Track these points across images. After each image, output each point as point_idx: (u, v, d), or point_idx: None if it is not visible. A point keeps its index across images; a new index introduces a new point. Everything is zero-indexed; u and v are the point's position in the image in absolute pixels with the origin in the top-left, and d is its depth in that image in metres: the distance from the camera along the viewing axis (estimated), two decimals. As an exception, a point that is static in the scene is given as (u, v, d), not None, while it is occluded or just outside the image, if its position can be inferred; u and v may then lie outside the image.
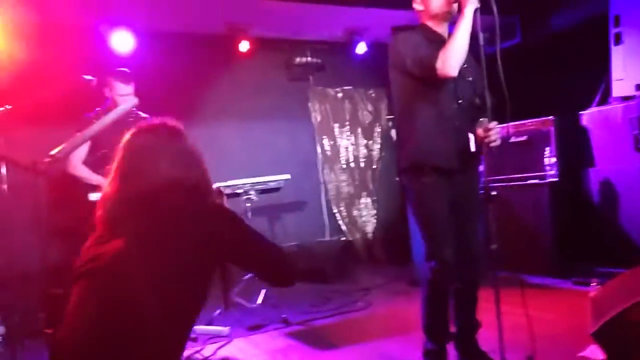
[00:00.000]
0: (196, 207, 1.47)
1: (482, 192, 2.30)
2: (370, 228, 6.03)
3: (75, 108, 3.42)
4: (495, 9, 2.17)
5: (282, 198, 5.11)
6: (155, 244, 1.38)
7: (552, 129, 4.35)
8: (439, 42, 2.35)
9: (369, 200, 6.07)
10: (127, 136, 1.54)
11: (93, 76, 3.00)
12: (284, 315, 3.65)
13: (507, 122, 2.34)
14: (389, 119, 6.13)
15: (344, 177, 5.98)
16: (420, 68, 2.31)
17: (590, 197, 4.38)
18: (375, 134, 6.21)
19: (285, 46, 5.63)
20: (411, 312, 2.59)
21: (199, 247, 1.42)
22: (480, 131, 2.35)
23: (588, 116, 4.44)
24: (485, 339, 2.51)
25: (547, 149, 4.36)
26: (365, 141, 6.15)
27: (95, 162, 3.43)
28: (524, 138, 4.53)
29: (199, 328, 3.44)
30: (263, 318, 3.71)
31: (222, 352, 3.16)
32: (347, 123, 6.07)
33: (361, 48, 5.63)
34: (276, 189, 4.22)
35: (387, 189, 6.07)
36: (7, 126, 2.74)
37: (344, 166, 6.00)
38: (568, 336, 2.83)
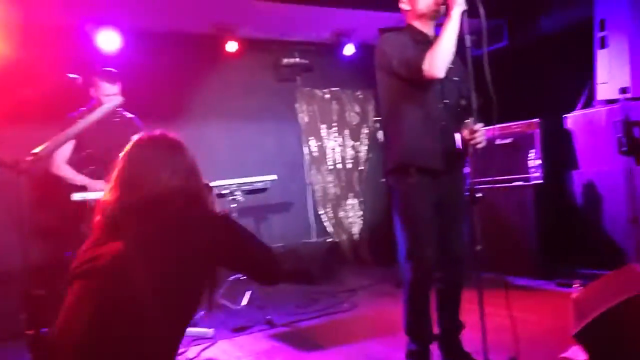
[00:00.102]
0: (194, 214, 1.53)
1: (467, 193, 2.31)
2: (356, 229, 6.04)
3: (60, 107, 3.38)
4: (482, 11, 2.19)
5: (268, 199, 5.10)
6: (153, 248, 1.42)
7: (537, 131, 4.39)
8: (425, 43, 2.36)
9: (355, 201, 6.08)
10: (128, 147, 1.60)
11: (78, 75, 2.98)
12: (268, 317, 3.64)
13: (493, 124, 2.36)
14: (376, 121, 6.14)
15: (330, 178, 5.98)
16: (407, 69, 2.32)
17: (574, 199, 4.43)
18: (363, 136, 6.22)
19: (272, 47, 5.62)
20: (397, 313, 2.59)
21: (197, 251, 1.46)
22: (465, 133, 2.36)
23: (573, 119, 4.49)
24: (469, 339, 2.52)
25: (532, 151, 4.40)
26: (352, 142, 6.15)
27: (80, 161, 3.40)
28: (509, 140, 4.57)
29: (184, 329, 3.41)
30: (248, 319, 3.70)
31: (206, 354, 3.14)
32: (335, 124, 6.07)
33: (349, 49, 5.64)
34: (262, 190, 4.20)
35: (374, 190, 6.09)
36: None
37: (331, 167, 6.00)
38: (551, 337, 2.85)
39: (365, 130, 6.23)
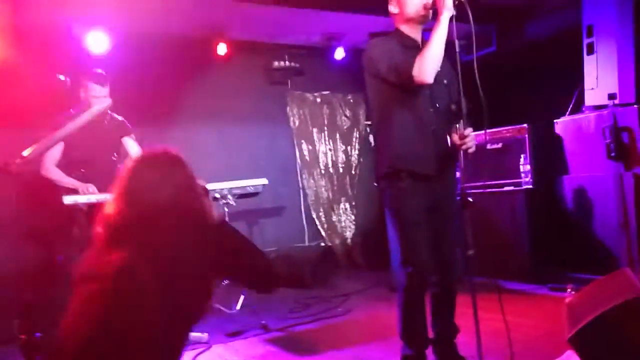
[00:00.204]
0: (193, 225, 1.59)
1: (458, 198, 2.32)
2: (349, 233, 6.03)
3: (49, 108, 3.33)
4: (471, 17, 2.20)
5: (260, 203, 5.08)
6: (156, 257, 1.48)
7: (527, 136, 4.42)
8: (413, 48, 2.37)
9: (347, 205, 6.08)
10: (130, 162, 1.66)
11: (67, 77, 2.94)
12: (263, 322, 3.62)
13: (483, 129, 2.37)
14: (367, 125, 6.15)
15: (322, 182, 5.98)
16: (396, 75, 2.33)
17: (564, 204, 4.46)
18: (354, 140, 6.23)
19: (263, 50, 5.61)
20: (391, 317, 2.59)
21: (197, 259, 1.53)
22: (455, 138, 2.36)
23: (562, 124, 4.53)
24: (464, 344, 2.52)
25: (522, 156, 4.43)
26: (343, 146, 6.16)
27: (69, 164, 3.36)
28: (499, 145, 4.60)
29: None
30: (242, 324, 3.67)
31: (201, 359, 3.11)
32: (326, 128, 6.07)
33: (339, 53, 5.65)
34: (254, 194, 4.18)
35: (366, 194, 6.09)
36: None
37: (323, 171, 6.00)
38: (545, 341, 2.86)
39: (356, 134, 6.24)
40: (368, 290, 4.65)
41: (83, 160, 3.37)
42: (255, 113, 5.59)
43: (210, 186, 3.84)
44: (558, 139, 4.53)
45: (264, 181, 4.15)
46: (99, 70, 3.42)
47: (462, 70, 2.27)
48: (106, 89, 3.37)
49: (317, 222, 5.89)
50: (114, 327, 1.39)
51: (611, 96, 4.12)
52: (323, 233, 5.88)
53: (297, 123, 5.90)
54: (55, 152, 3.30)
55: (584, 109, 4.38)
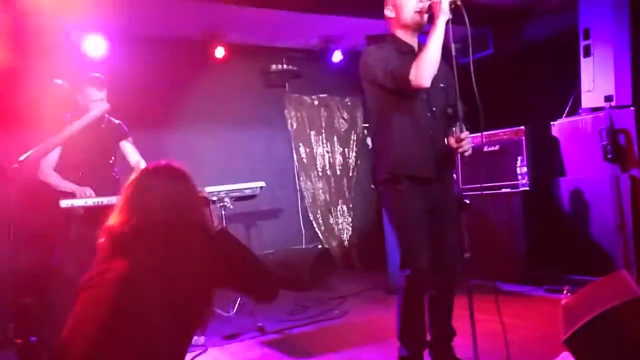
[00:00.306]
0: (195, 236, 1.63)
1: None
2: (346, 236, 6.04)
3: (46, 112, 3.33)
4: (467, 20, 2.21)
5: (258, 205, 5.08)
6: (158, 265, 1.52)
7: (524, 138, 4.43)
8: (409, 54, 2.38)
9: (345, 207, 6.08)
10: (135, 175, 1.71)
11: (64, 81, 2.94)
12: (260, 324, 3.61)
13: (480, 132, 2.38)
14: (364, 127, 6.16)
15: (320, 184, 5.98)
16: (392, 81, 2.33)
17: (561, 206, 4.47)
18: (352, 142, 6.23)
19: (261, 53, 5.62)
20: (388, 319, 2.60)
21: (198, 269, 1.57)
22: (452, 141, 2.37)
23: (559, 126, 4.54)
24: (460, 346, 2.53)
25: (519, 158, 4.44)
26: (341, 149, 6.16)
27: (67, 168, 3.35)
28: (496, 147, 4.61)
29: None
30: (239, 327, 3.67)
31: (197, 362, 3.12)
32: (323, 130, 6.08)
33: (337, 56, 5.67)
34: (251, 197, 4.18)
35: (363, 196, 6.10)
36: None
37: (320, 174, 6.00)
38: (541, 343, 2.87)
39: (354, 137, 6.24)
40: (365, 293, 4.65)
41: (80, 164, 3.36)
42: (253, 116, 5.60)
43: (207, 189, 3.86)
44: (555, 141, 4.54)
45: (262, 184, 4.15)
46: (96, 74, 3.42)
47: (459, 72, 2.28)
48: (103, 93, 3.37)
49: (315, 225, 5.89)
50: (117, 334, 1.41)
51: (608, 98, 4.14)
52: (320, 235, 5.88)
53: (294, 125, 5.91)
54: (53, 156, 3.30)
55: (580, 111, 4.39)
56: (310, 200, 5.90)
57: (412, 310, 2.45)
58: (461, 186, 2.35)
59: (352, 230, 6.07)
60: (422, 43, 2.40)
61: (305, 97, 5.99)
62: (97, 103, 3.26)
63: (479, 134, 2.57)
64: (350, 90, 6.06)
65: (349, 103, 6.23)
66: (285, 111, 5.88)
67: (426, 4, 2.36)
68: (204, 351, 3.25)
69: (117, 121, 3.58)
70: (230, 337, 3.49)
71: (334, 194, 6.05)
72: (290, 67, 5.73)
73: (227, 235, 1.76)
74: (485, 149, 4.60)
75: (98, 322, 1.43)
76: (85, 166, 3.36)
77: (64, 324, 1.50)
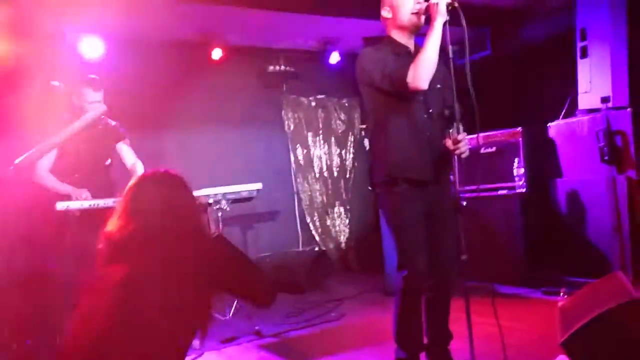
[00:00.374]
0: (195, 241, 1.66)
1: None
2: (343, 238, 6.03)
3: (42, 114, 3.32)
4: (464, 22, 2.20)
5: (255, 207, 5.07)
6: (157, 270, 1.54)
7: (521, 140, 4.43)
8: (405, 55, 2.38)
9: (342, 209, 6.08)
10: (133, 181, 1.74)
11: (61, 82, 2.93)
12: (257, 327, 3.60)
13: (477, 133, 2.38)
14: (362, 129, 6.15)
15: (317, 186, 5.97)
16: (390, 83, 2.33)
17: (558, 208, 4.47)
18: (349, 143, 6.23)
19: (258, 54, 5.62)
20: (385, 322, 2.59)
21: (198, 274, 1.59)
22: (449, 143, 2.37)
23: (555, 128, 4.54)
24: (457, 349, 2.52)
25: (516, 159, 4.44)
26: (338, 150, 6.16)
27: (63, 170, 3.34)
28: (493, 149, 4.60)
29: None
30: (236, 330, 3.66)
31: (194, 366, 3.11)
32: (321, 132, 6.08)
33: (334, 58, 5.67)
34: (248, 199, 4.17)
35: (361, 198, 6.09)
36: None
37: (317, 175, 6.00)
38: (538, 345, 2.87)
39: (351, 138, 6.24)
40: (362, 295, 4.64)
41: (76, 166, 3.35)
42: (250, 117, 5.60)
43: (204, 191, 3.86)
44: (552, 143, 4.55)
45: (259, 186, 4.14)
46: (93, 76, 3.42)
47: (456, 74, 2.28)
48: (100, 95, 3.36)
49: (312, 227, 5.88)
50: (117, 339, 1.42)
51: (604, 99, 4.14)
52: (317, 237, 5.87)
53: (292, 127, 5.90)
54: (49, 159, 3.29)
55: (577, 112, 4.39)
56: (307, 202, 5.90)
57: (409, 312, 2.45)
58: (458, 188, 2.34)
59: (349, 232, 6.06)
60: (419, 45, 2.40)
61: (303, 99, 5.99)
62: (94, 105, 3.25)
63: (475, 136, 2.57)
64: (347, 92, 6.05)
65: (347, 104, 6.23)
66: (283, 112, 5.87)
67: (423, 6, 2.36)
68: (200, 355, 3.24)
69: (114, 123, 3.57)
70: (227, 341, 3.48)
71: (331, 196, 6.04)
72: (287, 68, 5.72)
73: (224, 241, 1.78)
74: (482, 150, 4.59)
75: (98, 327, 1.44)
76: (81, 168, 3.35)
77: (58, 328, 1.50)
